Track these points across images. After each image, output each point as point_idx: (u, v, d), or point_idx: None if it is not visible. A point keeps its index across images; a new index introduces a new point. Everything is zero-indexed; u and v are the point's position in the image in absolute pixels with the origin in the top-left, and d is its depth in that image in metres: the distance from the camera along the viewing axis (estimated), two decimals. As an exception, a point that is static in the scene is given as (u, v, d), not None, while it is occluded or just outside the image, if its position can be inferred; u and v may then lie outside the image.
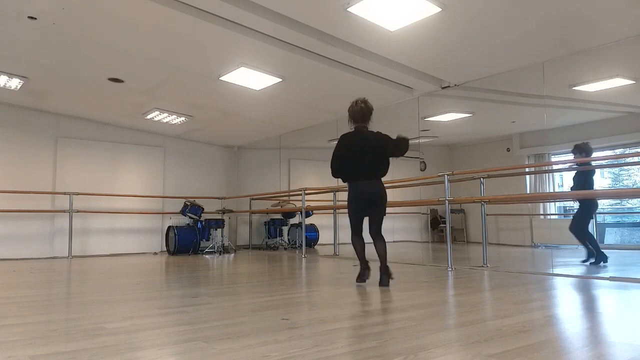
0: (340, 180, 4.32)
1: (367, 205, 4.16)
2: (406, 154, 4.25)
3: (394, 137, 4.17)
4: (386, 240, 4.30)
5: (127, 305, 3.11)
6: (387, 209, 4.28)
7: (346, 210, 4.33)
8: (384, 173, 4.15)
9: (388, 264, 4.15)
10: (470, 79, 6.12)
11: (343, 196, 9.07)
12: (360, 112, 4.13)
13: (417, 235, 11.62)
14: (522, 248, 9.00)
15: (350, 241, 4.36)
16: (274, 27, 4.57)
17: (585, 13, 4.25)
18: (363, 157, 4.06)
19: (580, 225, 5.98)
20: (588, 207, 5.97)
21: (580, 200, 6.02)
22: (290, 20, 4.47)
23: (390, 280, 4.11)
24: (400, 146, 4.12)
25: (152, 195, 8.91)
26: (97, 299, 3.41)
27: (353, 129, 4.19)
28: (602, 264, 5.75)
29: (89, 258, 7.68)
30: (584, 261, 5.95)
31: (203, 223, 8.48)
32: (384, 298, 3.38)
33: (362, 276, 4.25)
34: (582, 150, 5.94)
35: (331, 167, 4.25)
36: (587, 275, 4.75)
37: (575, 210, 6.02)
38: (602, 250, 5.83)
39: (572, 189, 6.05)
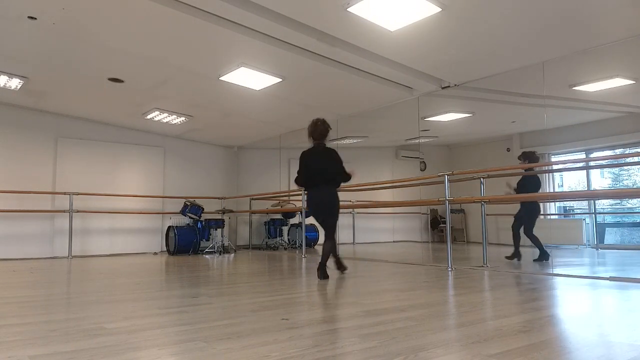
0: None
1: (322, 208, 4.76)
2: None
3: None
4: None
5: (127, 305, 3.11)
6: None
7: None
8: (339, 183, 4.83)
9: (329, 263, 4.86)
10: (470, 79, 6.12)
11: (343, 196, 9.10)
12: (321, 131, 4.81)
13: (417, 235, 11.62)
14: (522, 248, 8.99)
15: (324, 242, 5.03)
16: (274, 27, 4.57)
17: (585, 13, 4.25)
18: (321, 169, 4.73)
19: (526, 227, 6.56)
20: (532, 211, 6.55)
21: (523, 204, 6.59)
22: (290, 20, 4.47)
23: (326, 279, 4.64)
24: (344, 177, 4.83)
25: (152, 195, 8.91)
26: (97, 299, 3.41)
27: (313, 145, 4.86)
28: (515, 260, 6.47)
29: (89, 258, 7.68)
30: (536, 260, 6.46)
31: (203, 223, 8.48)
32: (383, 298, 3.38)
33: (341, 268, 5.06)
34: (526, 157, 6.46)
35: (298, 180, 4.90)
36: (587, 275, 4.75)
37: (520, 213, 6.62)
38: (546, 249, 6.51)
39: (519, 192, 6.57)
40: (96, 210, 8.23)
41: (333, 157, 4.77)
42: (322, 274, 4.57)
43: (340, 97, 6.95)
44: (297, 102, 7.21)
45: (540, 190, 6.79)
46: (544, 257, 6.40)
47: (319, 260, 4.69)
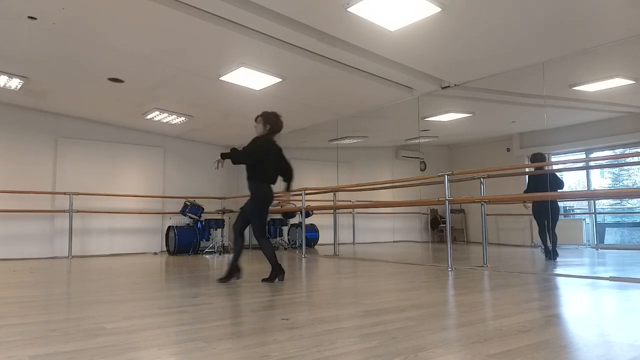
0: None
1: (268, 206, 4.56)
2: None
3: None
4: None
5: (127, 305, 3.11)
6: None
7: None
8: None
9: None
10: (470, 79, 6.12)
11: (343, 196, 9.11)
12: (281, 127, 4.65)
13: (417, 235, 11.62)
14: (522, 248, 9.00)
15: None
16: (274, 27, 4.57)
17: (585, 13, 4.25)
18: (278, 167, 4.62)
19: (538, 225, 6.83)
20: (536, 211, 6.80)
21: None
22: (290, 20, 4.47)
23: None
24: (293, 175, 4.75)
25: (152, 195, 8.91)
26: (97, 299, 3.41)
27: (266, 136, 4.58)
28: (547, 259, 6.66)
29: (89, 258, 7.68)
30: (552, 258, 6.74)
31: (203, 223, 8.48)
32: (384, 298, 3.38)
33: (280, 276, 4.41)
34: (535, 158, 6.72)
35: (251, 157, 4.54)
36: (587, 275, 4.75)
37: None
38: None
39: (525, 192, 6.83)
40: (96, 210, 8.23)
41: (284, 156, 4.70)
42: (279, 268, 4.37)
43: (340, 97, 6.95)
44: (297, 102, 7.21)
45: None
46: (547, 255, 6.69)
47: (272, 263, 4.36)
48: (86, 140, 8.36)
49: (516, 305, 3.03)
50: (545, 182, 6.60)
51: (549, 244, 6.70)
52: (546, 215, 6.67)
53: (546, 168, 7.04)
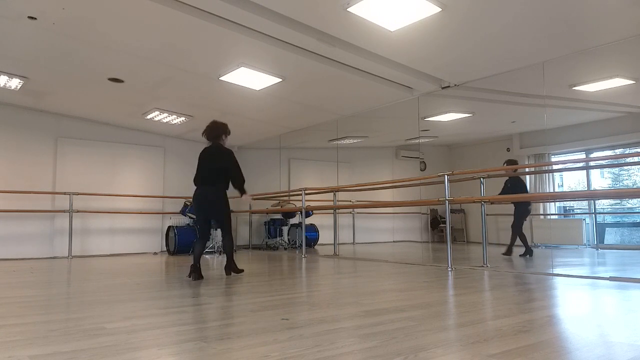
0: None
1: (207, 207, 4.80)
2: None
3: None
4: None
5: (127, 305, 3.11)
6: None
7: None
8: (226, 183, 4.89)
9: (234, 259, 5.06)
10: (470, 79, 6.12)
11: (343, 196, 9.12)
12: (216, 133, 4.89)
13: (417, 235, 11.62)
14: (522, 248, 8.99)
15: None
16: (274, 27, 4.57)
17: (585, 13, 4.25)
18: (210, 168, 4.79)
19: (516, 224, 7.15)
20: (520, 210, 7.13)
21: (515, 204, 7.14)
22: (290, 20, 4.47)
23: (237, 274, 4.95)
24: (238, 176, 4.93)
25: (152, 195, 8.91)
26: (97, 299, 3.41)
27: (210, 144, 4.93)
28: (527, 256, 6.98)
29: (89, 258, 7.68)
30: (522, 255, 7.13)
31: (203, 223, 8.47)
32: (383, 298, 3.38)
33: (195, 273, 4.60)
34: (511, 163, 7.12)
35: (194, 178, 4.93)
36: (587, 275, 4.75)
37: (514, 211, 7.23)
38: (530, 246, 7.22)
39: (500, 193, 7.22)
40: (96, 210, 8.23)
41: (224, 158, 4.83)
42: (196, 274, 4.54)
43: (340, 97, 6.95)
44: (297, 102, 7.21)
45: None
46: (528, 252, 7.07)
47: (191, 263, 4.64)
48: (86, 140, 8.36)
49: (516, 305, 3.03)
50: (519, 185, 7.06)
51: (529, 243, 7.19)
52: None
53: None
